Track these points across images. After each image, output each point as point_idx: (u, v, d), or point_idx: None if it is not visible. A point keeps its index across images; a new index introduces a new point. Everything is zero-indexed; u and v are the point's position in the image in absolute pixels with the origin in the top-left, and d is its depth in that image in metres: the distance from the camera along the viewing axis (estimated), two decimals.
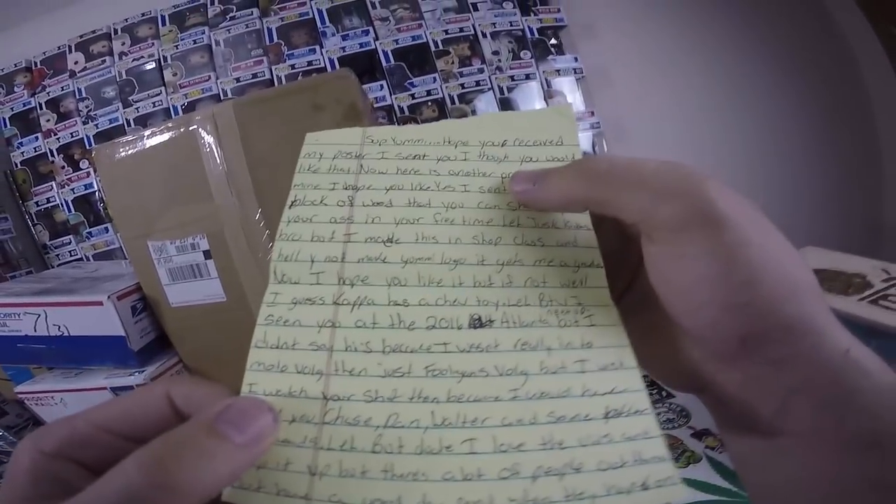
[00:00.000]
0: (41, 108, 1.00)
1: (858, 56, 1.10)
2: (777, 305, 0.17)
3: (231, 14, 1.04)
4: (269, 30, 1.05)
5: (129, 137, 0.63)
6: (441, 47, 1.12)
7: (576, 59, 1.14)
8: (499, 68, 1.14)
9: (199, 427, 0.15)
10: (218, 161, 0.61)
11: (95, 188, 1.00)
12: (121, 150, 0.64)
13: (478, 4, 1.13)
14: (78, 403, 0.72)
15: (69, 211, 1.02)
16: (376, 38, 1.10)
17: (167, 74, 0.99)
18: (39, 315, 0.70)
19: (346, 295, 0.20)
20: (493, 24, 1.13)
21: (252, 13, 1.05)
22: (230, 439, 0.15)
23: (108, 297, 0.67)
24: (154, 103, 0.98)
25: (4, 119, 1.02)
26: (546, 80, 1.14)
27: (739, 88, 1.16)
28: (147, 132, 0.62)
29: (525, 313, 0.20)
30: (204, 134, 0.61)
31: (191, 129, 0.61)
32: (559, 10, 1.13)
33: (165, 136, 0.63)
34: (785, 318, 0.17)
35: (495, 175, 0.23)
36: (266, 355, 0.19)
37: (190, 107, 0.99)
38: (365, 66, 1.09)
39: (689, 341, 0.19)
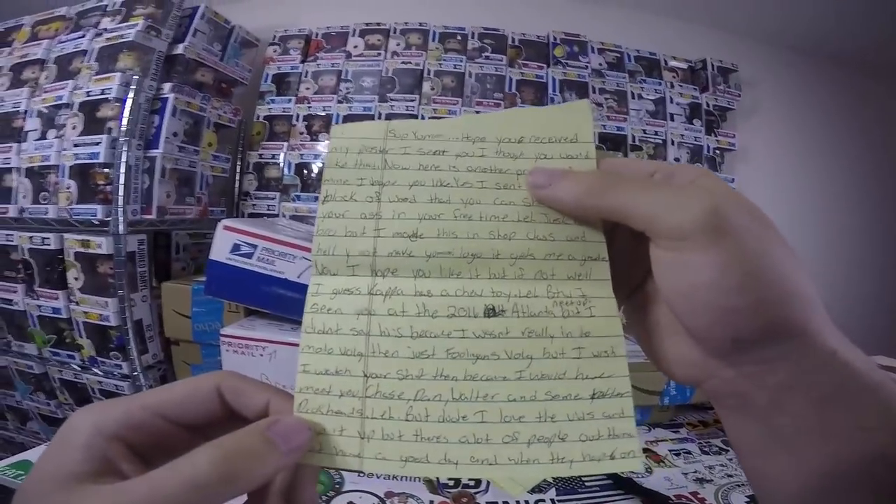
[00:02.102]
0: (305, 76, 1.07)
1: None
2: (767, 310, 0.18)
3: (486, 54, 1.14)
4: (511, 79, 1.14)
5: None
6: (636, 143, 1.22)
7: (733, 181, 1.26)
8: None
9: (256, 434, 0.18)
10: None
11: (322, 161, 1.04)
12: None
13: (674, 115, 1.25)
14: (292, 360, 0.70)
15: (288, 171, 1.05)
16: None
17: (426, 86, 1.06)
18: None
19: (378, 286, 0.23)
20: (682, 135, 1.25)
21: (502, 59, 1.14)
22: (278, 447, 0.18)
23: None
24: (407, 107, 1.05)
25: (268, 74, 1.08)
26: None
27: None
28: None
29: (533, 304, 0.22)
30: None
31: None
32: (734, 136, 1.27)
33: None
34: (774, 322, 0.18)
35: (511, 172, 0.24)
36: (314, 339, 0.22)
37: None
38: None
39: (690, 338, 0.21)
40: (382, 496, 0.57)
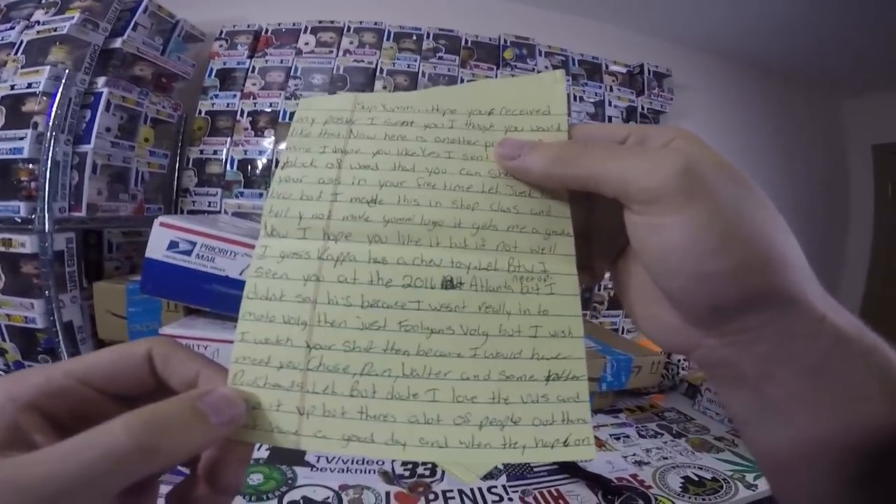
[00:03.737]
0: (252, 72, 1.04)
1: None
2: (746, 276, 0.17)
3: (440, 54, 1.15)
4: (462, 79, 1.16)
5: None
6: None
7: None
8: None
9: (184, 404, 0.17)
10: None
11: (267, 157, 1.03)
12: None
13: (612, 118, 1.32)
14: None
15: (231, 167, 1.02)
16: None
17: (377, 84, 1.06)
18: None
19: (330, 250, 0.21)
20: None
21: (455, 60, 1.16)
22: (208, 419, 0.17)
23: None
24: None
25: (213, 69, 1.05)
26: None
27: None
28: None
29: (492, 278, 0.21)
30: None
31: None
32: None
33: None
34: (754, 288, 0.17)
35: (479, 143, 0.24)
36: (256, 306, 0.21)
37: None
38: None
39: (672, 306, 0.20)
40: (337, 489, 0.57)
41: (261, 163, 1.03)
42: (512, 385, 0.20)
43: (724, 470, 0.66)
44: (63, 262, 0.81)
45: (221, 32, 1.11)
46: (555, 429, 0.19)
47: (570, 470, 0.64)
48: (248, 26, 1.10)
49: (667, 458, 0.69)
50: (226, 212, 1.02)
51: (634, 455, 0.70)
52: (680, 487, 0.61)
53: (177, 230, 0.68)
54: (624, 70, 1.32)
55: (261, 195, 1.02)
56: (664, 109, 1.32)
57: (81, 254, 0.85)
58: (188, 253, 0.68)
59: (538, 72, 1.22)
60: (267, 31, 1.10)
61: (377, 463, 0.63)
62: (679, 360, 0.93)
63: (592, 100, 1.27)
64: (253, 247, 0.67)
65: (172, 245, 0.68)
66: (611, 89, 1.28)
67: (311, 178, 0.23)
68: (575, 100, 1.26)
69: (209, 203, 1.03)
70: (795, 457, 0.18)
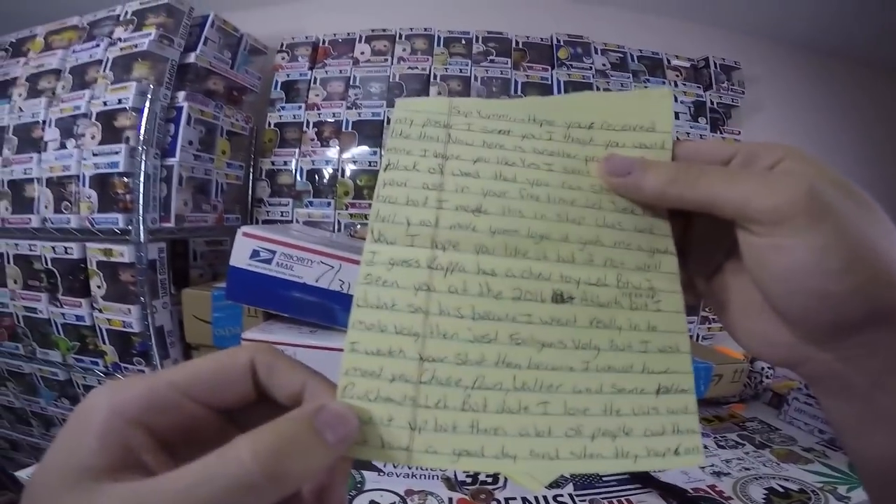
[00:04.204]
0: (314, 83, 1.09)
1: None
2: (871, 294, 0.17)
3: (491, 57, 1.15)
4: (517, 82, 1.16)
5: None
6: None
7: None
8: None
9: (303, 423, 0.16)
10: None
11: (333, 167, 1.07)
12: None
13: (679, 114, 1.27)
14: (312, 362, 0.73)
15: (301, 178, 1.07)
16: None
17: (433, 90, 1.08)
18: (332, 268, 0.72)
19: (439, 259, 0.21)
20: (688, 133, 1.26)
21: (506, 62, 1.16)
22: (326, 439, 0.16)
23: None
24: None
25: (277, 81, 1.11)
26: None
27: None
28: None
29: (602, 293, 0.22)
30: None
31: None
32: (740, 133, 1.27)
33: None
34: (879, 306, 0.17)
35: (579, 157, 0.24)
36: (367, 314, 0.20)
37: None
38: None
39: (784, 322, 0.20)
40: (403, 494, 0.58)
41: (327, 172, 1.07)
42: (623, 398, 0.20)
43: (813, 482, 0.63)
44: (156, 270, 0.88)
45: (282, 45, 1.16)
46: (665, 439, 0.20)
47: (643, 479, 0.63)
48: (307, 38, 1.14)
49: (748, 469, 0.66)
50: (297, 221, 1.07)
51: (713, 466, 0.67)
52: (763, 499, 0.59)
53: (258, 239, 0.72)
54: (687, 64, 1.27)
55: (328, 204, 1.07)
56: (735, 104, 1.26)
57: (171, 262, 0.92)
58: (269, 261, 0.73)
59: (597, 70, 1.19)
60: (324, 42, 1.14)
61: (441, 469, 0.64)
62: (763, 369, 0.89)
63: None
64: (326, 255, 0.70)
65: (254, 254, 0.72)
66: (675, 85, 1.24)
67: (414, 183, 0.23)
68: None
69: (281, 213, 1.09)
70: None
